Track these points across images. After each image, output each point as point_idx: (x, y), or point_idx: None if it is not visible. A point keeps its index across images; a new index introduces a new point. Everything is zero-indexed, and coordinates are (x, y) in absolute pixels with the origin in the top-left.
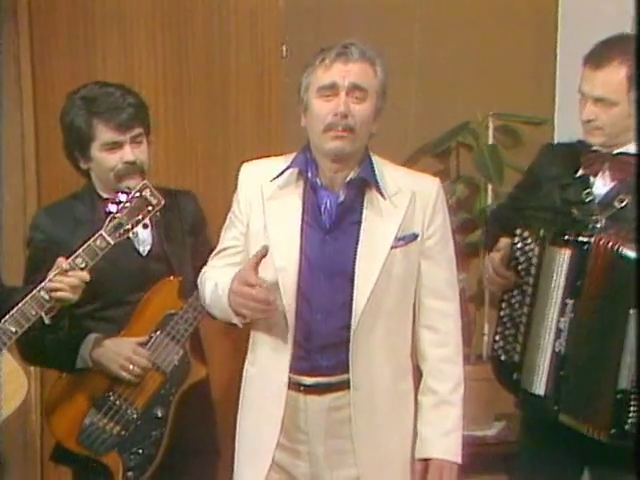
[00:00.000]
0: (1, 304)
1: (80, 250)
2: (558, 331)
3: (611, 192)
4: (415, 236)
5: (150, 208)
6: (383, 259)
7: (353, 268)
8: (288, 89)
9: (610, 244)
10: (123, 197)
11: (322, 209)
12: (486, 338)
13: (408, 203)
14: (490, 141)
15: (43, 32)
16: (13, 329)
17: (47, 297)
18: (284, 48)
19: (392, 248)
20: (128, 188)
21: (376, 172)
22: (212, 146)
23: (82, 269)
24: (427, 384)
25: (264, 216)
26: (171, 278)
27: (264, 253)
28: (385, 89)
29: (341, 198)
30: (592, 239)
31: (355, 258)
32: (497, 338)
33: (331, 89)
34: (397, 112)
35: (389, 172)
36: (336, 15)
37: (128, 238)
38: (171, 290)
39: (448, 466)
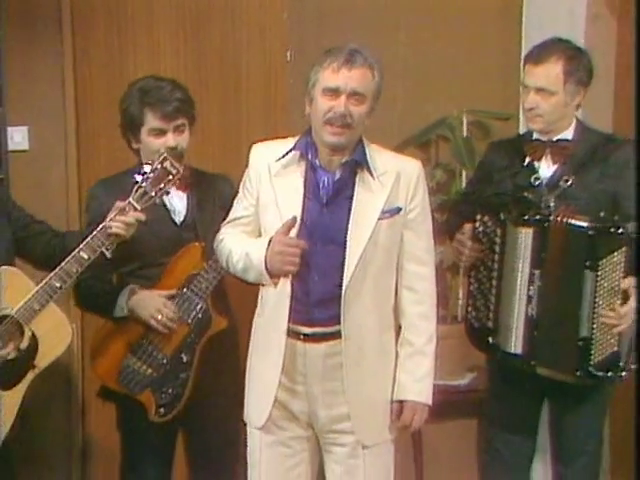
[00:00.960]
0: (58, 247)
1: (112, 215)
2: (529, 298)
3: (555, 174)
4: (399, 210)
5: (170, 177)
6: (371, 229)
7: (345, 236)
8: (292, 88)
9: (565, 219)
10: (147, 168)
11: (320, 186)
12: (460, 302)
13: (393, 182)
14: (464, 134)
15: (83, 42)
16: (58, 284)
17: (86, 257)
18: (288, 53)
19: (379, 220)
20: (152, 161)
21: (367, 155)
22: (226, 136)
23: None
24: (405, 337)
25: (272, 191)
26: (196, 244)
27: (293, 222)
28: (380, 90)
29: (337, 177)
30: (549, 217)
31: (347, 228)
32: (469, 309)
33: (335, 91)
34: (385, 108)
35: (378, 155)
36: (333, 25)
37: (166, 209)
38: (196, 254)
39: (420, 407)
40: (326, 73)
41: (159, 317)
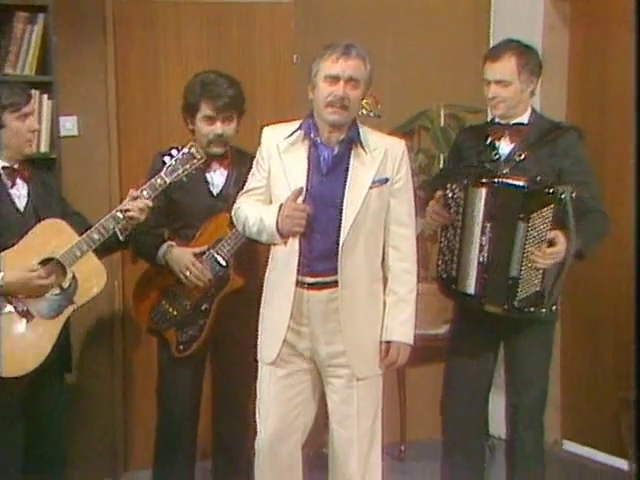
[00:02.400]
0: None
1: (144, 186)
2: (481, 246)
3: (512, 151)
4: (387, 180)
5: (195, 161)
6: (363, 196)
7: (342, 201)
8: (297, 84)
9: (508, 179)
10: (175, 152)
11: (321, 159)
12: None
13: (382, 157)
14: (442, 124)
15: (123, 46)
16: (96, 237)
17: (121, 216)
18: (294, 56)
19: (370, 188)
20: (180, 146)
21: (361, 135)
22: (242, 125)
23: (147, 198)
24: (390, 287)
25: (281, 164)
26: (225, 213)
27: (300, 191)
28: (371, 77)
29: (335, 152)
30: (500, 179)
31: (344, 195)
32: (439, 263)
33: (335, 78)
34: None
35: (369, 135)
36: (332, 32)
37: (206, 182)
38: (224, 222)
39: (404, 347)
40: (327, 63)
41: (187, 273)
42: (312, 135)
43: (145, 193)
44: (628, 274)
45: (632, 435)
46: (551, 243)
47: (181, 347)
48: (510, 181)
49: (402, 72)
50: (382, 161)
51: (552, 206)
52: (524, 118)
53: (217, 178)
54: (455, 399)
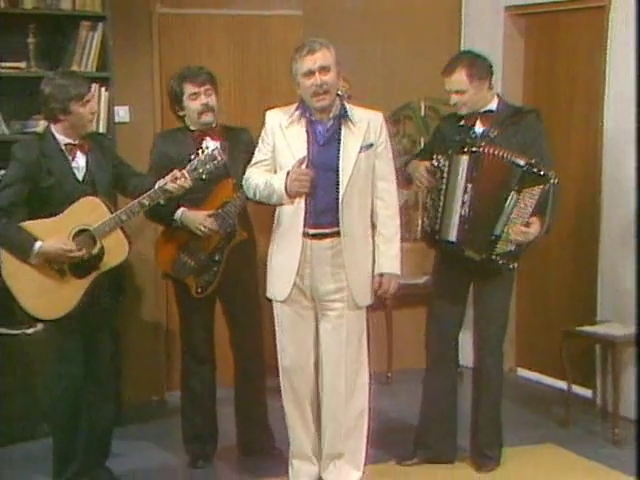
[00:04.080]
0: (133, 180)
1: (168, 178)
2: (463, 202)
3: (485, 130)
4: (371, 145)
5: (216, 162)
6: (354, 160)
7: (338, 166)
8: None
9: (493, 150)
10: (200, 152)
11: (317, 133)
12: (419, 228)
13: (366, 127)
14: (422, 114)
15: (166, 47)
16: (124, 218)
17: (147, 203)
18: None
19: (359, 153)
20: (206, 147)
21: (347, 111)
22: (259, 107)
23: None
24: (378, 231)
25: (284, 139)
26: (229, 179)
27: (303, 159)
28: (338, 60)
29: (328, 126)
30: (480, 149)
31: (339, 160)
32: (424, 220)
33: (310, 73)
34: (368, 96)
35: (355, 111)
36: (334, 38)
37: (203, 152)
38: (229, 186)
39: (394, 277)
40: (300, 62)
41: (202, 228)
42: (307, 115)
43: (187, 175)
44: (571, 232)
45: (571, 362)
46: (528, 224)
47: (199, 290)
48: (513, 158)
49: (390, 71)
50: (366, 130)
51: (541, 187)
52: (492, 106)
53: (212, 148)
54: (436, 333)
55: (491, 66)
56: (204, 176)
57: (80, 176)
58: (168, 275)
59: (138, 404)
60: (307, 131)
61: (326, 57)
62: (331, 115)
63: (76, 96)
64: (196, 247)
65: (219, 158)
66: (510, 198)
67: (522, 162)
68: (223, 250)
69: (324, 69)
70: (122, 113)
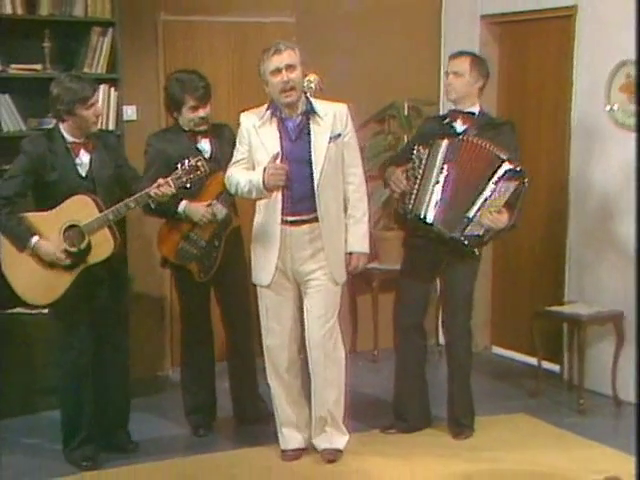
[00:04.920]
0: (133, 183)
1: (154, 185)
2: (437, 182)
3: (466, 129)
4: (339, 135)
5: (199, 172)
6: (325, 150)
7: (310, 157)
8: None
9: (472, 138)
10: (186, 162)
11: (289, 129)
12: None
13: (332, 119)
14: (405, 113)
15: (170, 51)
16: (111, 217)
17: (133, 205)
18: None
19: (329, 143)
20: (191, 158)
21: (314, 106)
22: (255, 104)
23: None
24: (349, 213)
25: (259, 138)
26: (220, 173)
27: (277, 155)
28: (301, 60)
29: (297, 122)
30: (461, 137)
31: (310, 152)
32: (399, 205)
33: (277, 70)
34: (356, 97)
35: (320, 105)
36: (325, 44)
37: (199, 151)
38: (221, 179)
39: (363, 256)
40: (268, 62)
41: (204, 219)
42: (278, 113)
43: (170, 183)
44: (541, 220)
45: (540, 339)
46: (500, 212)
47: (202, 275)
48: (496, 151)
49: (376, 73)
50: (333, 122)
51: (517, 182)
52: (474, 109)
53: (205, 146)
54: (403, 310)
55: (488, 74)
56: (188, 185)
57: (83, 172)
58: (170, 263)
59: (144, 379)
60: (279, 129)
61: (291, 57)
62: (299, 111)
63: (81, 99)
64: (196, 235)
65: (202, 169)
66: (488, 187)
67: (504, 156)
68: (221, 236)
69: (290, 67)
70: (130, 112)
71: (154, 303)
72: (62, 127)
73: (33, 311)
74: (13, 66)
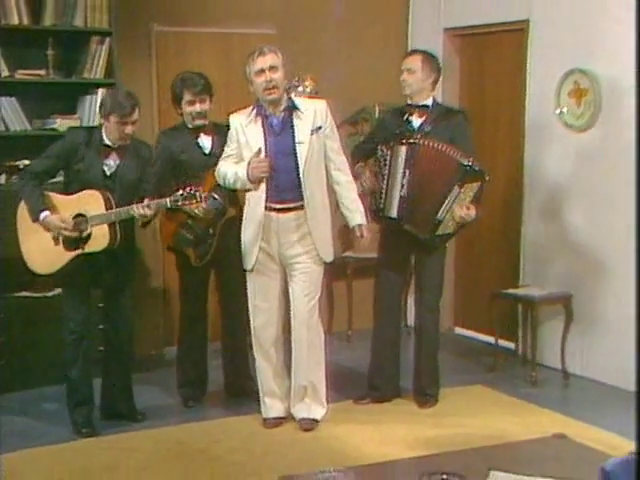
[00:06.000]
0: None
1: (154, 201)
2: (402, 185)
3: (422, 124)
4: (320, 127)
5: (194, 201)
6: (308, 142)
7: (295, 149)
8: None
9: (427, 142)
10: (187, 189)
11: (273, 125)
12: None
13: (314, 114)
14: (377, 116)
15: (162, 60)
16: (113, 218)
17: (134, 213)
18: None
19: (311, 135)
20: (191, 187)
21: (295, 103)
22: (242, 103)
23: (150, 210)
24: (343, 194)
25: (245, 136)
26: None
27: (259, 151)
28: (284, 62)
29: (281, 118)
30: (416, 141)
31: (294, 144)
32: (372, 202)
33: (261, 71)
34: (332, 100)
35: (301, 102)
36: (303, 53)
37: (199, 147)
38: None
39: (365, 227)
40: (253, 64)
41: (197, 211)
42: (262, 111)
43: (152, 206)
44: (499, 212)
45: (497, 319)
46: (468, 207)
47: (198, 260)
48: (459, 158)
49: (350, 81)
50: (314, 116)
51: (479, 183)
52: (428, 102)
53: (205, 142)
54: (381, 294)
55: (440, 69)
56: (179, 207)
57: (108, 172)
58: (171, 248)
59: (140, 357)
60: (263, 125)
61: (274, 59)
62: (282, 108)
63: (117, 112)
64: (193, 223)
65: (199, 199)
66: (454, 190)
67: (465, 162)
68: (216, 225)
69: (273, 68)
70: None
71: (149, 286)
72: (103, 129)
73: (38, 294)
74: (19, 72)
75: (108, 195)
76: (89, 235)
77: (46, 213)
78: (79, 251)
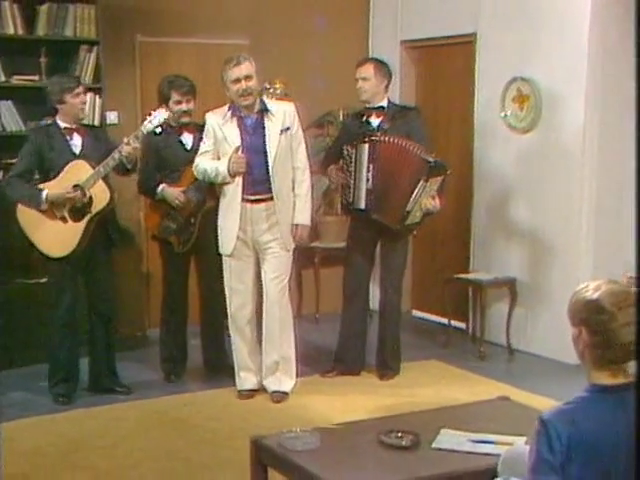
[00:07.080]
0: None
1: (131, 135)
2: (367, 179)
3: (380, 123)
4: (288, 128)
5: (163, 122)
6: (277, 141)
7: (265, 148)
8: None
9: (386, 138)
10: (153, 112)
11: (247, 125)
12: (339, 205)
13: (283, 116)
14: (341, 119)
15: (145, 67)
16: (102, 170)
17: (117, 157)
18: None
19: (280, 135)
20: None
21: (267, 105)
22: (217, 103)
23: (134, 143)
24: (295, 192)
25: (222, 133)
26: None
27: (238, 148)
28: (257, 70)
29: (254, 119)
30: (376, 138)
31: (265, 143)
32: (342, 195)
33: (237, 80)
34: (304, 107)
35: (272, 104)
36: (275, 63)
37: (181, 143)
38: None
39: (305, 227)
40: (229, 72)
41: (176, 201)
42: (238, 112)
43: (132, 139)
44: (452, 204)
45: (450, 302)
46: (434, 198)
47: (181, 246)
48: (423, 155)
49: (316, 87)
50: (283, 118)
51: (442, 177)
52: (383, 103)
53: (187, 139)
54: (350, 278)
55: (391, 74)
56: (182, 139)
57: (77, 151)
58: (156, 237)
59: (125, 337)
60: (239, 125)
61: (249, 68)
62: (255, 110)
63: (67, 89)
64: (176, 213)
65: (167, 120)
66: (420, 185)
67: (430, 159)
68: (197, 215)
69: (248, 77)
70: (112, 117)
71: (133, 270)
72: (57, 118)
73: (31, 281)
74: (15, 77)
75: (88, 160)
76: (90, 198)
77: (46, 191)
78: (88, 216)
